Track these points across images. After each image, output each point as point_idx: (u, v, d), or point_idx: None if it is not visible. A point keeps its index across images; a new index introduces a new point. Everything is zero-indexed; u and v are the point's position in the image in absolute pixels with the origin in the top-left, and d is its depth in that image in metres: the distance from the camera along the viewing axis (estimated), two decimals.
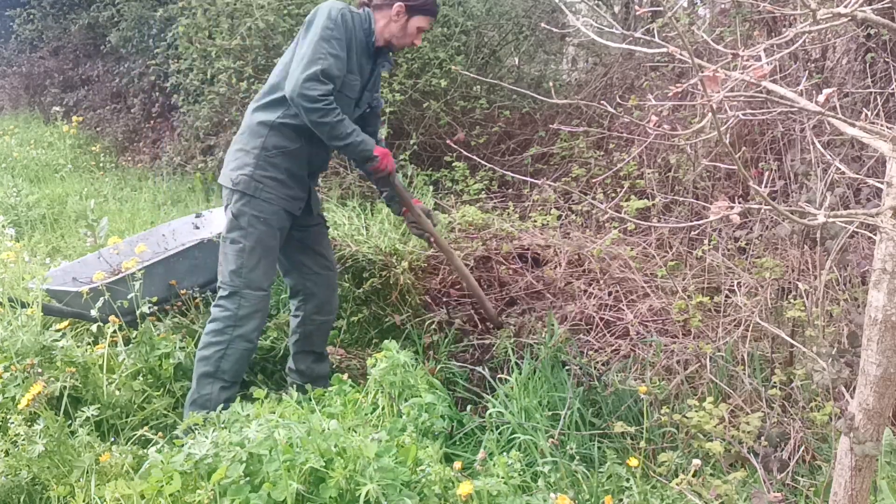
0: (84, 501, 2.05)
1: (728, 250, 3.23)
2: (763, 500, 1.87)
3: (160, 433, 2.31)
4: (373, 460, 1.87)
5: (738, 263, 3.08)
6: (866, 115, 1.48)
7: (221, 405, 2.42)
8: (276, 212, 2.63)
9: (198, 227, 3.87)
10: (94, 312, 2.78)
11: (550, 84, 2.66)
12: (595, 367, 2.73)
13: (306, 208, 2.79)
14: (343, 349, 3.27)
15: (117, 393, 2.63)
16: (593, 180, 4.20)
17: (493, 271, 3.39)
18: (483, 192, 4.64)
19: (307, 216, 2.82)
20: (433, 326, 3.18)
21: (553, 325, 2.85)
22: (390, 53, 2.81)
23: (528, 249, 3.45)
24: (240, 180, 2.59)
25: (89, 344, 2.99)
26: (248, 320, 2.61)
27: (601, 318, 3.05)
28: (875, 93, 3.31)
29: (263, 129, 2.62)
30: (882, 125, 1.37)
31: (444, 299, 3.30)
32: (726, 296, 2.92)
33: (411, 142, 5.13)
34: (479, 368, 2.92)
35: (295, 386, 2.93)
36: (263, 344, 3.18)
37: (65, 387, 2.42)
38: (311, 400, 2.49)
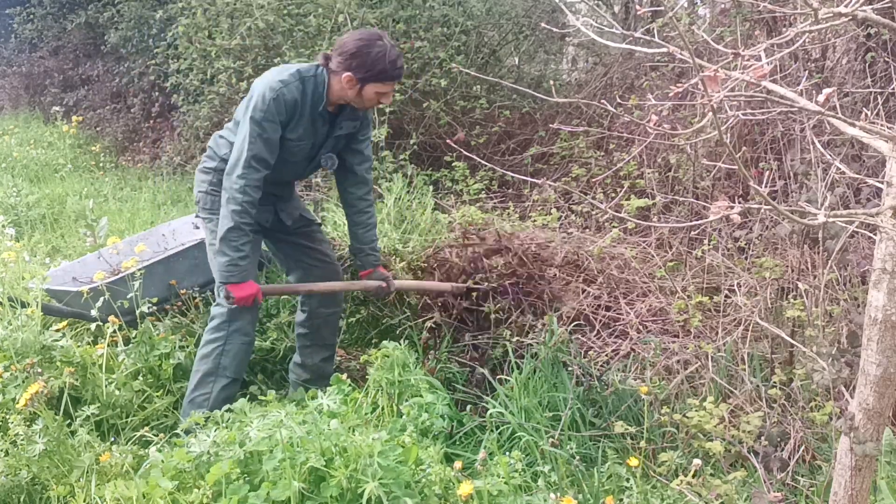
0: (84, 501, 2.05)
1: (728, 250, 3.23)
2: (763, 500, 1.87)
3: (160, 433, 2.31)
4: (375, 458, 1.87)
5: (738, 263, 3.08)
6: (866, 114, 1.48)
7: (220, 404, 2.42)
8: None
9: (198, 227, 3.87)
10: (93, 312, 2.78)
11: (551, 83, 2.65)
12: (595, 367, 2.73)
13: (277, 219, 2.84)
14: (342, 350, 3.26)
15: (117, 393, 2.63)
16: (593, 180, 4.20)
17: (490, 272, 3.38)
18: (483, 192, 4.64)
19: (282, 225, 2.86)
20: (432, 326, 3.18)
21: (553, 325, 2.85)
22: (359, 112, 2.73)
23: (527, 250, 3.45)
24: (199, 198, 2.77)
25: (89, 344, 2.99)
26: (242, 314, 2.63)
27: (601, 319, 3.05)
28: (875, 93, 3.31)
29: (216, 156, 2.74)
30: (882, 125, 1.37)
31: (440, 300, 3.29)
32: (726, 296, 2.92)
33: (411, 142, 5.13)
34: (479, 367, 2.92)
35: (295, 384, 2.94)
36: (263, 345, 3.18)
37: (64, 386, 2.42)
38: (314, 398, 2.49)
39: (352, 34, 2.59)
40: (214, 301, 2.69)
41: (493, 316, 3.07)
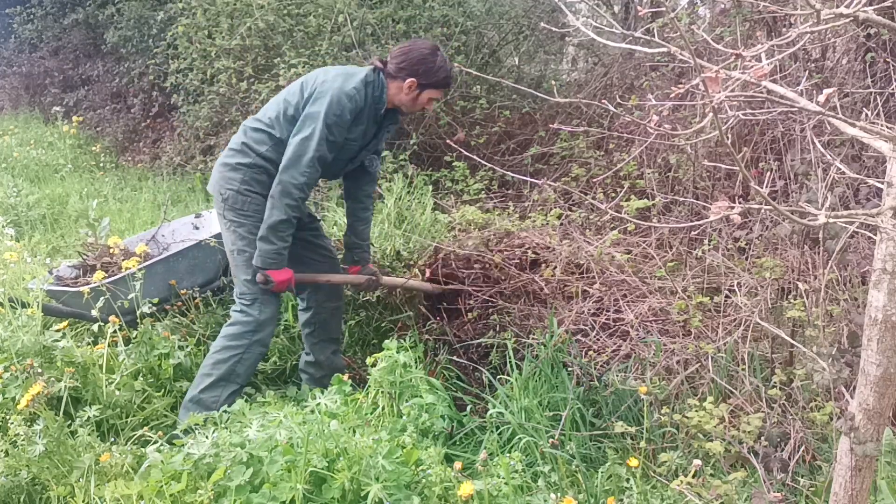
0: (84, 501, 2.05)
1: (728, 250, 3.23)
2: (763, 501, 1.87)
3: (160, 433, 2.31)
4: (380, 460, 1.87)
5: (738, 263, 3.08)
6: (866, 115, 1.48)
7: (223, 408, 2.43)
8: None
9: (197, 228, 3.87)
10: (94, 312, 2.78)
11: (552, 83, 2.65)
12: (595, 368, 2.73)
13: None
14: (343, 351, 3.27)
15: (117, 393, 2.63)
16: (593, 180, 4.20)
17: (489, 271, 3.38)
18: (483, 192, 4.64)
19: (299, 222, 2.86)
20: (433, 326, 3.18)
21: (553, 325, 2.85)
22: (399, 115, 2.89)
23: (526, 250, 3.45)
24: (228, 195, 2.69)
25: (89, 344, 2.99)
26: (266, 325, 2.70)
27: (601, 319, 3.05)
28: (875, 93, 3.31)
29: (251, 152, 2.70)
30: (882, 125, 1.37)
31: (440, 305, 3.29)
32: (726, 296, 2.92)
33: (411, 142, 5.13)
34: (480, 368, 2.92)
35: (311, 383, 2.96)
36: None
37: (63, 387, 2.42)
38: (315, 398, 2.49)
39: (413, 42, 2.75)
40: (238, 307, 2.70)
41: (469, 315, 3.14)
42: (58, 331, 2.81)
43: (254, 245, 2.65)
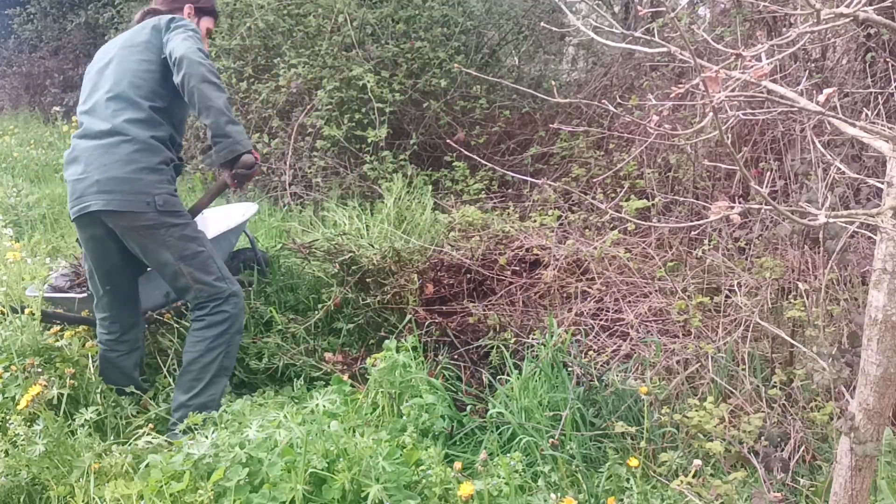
0: (84, 501, 2.05)
1: (728, 250, 3.23)
2: (763, 501, 1.87)
3: (160, 434, 2.31)
4: (380, 461, 1.87)
5: (738, 263, 3.08)
6: (866, 115, 1.48)
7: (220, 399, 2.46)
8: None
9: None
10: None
11: (552, 83, 2.64)
12: (595, 368, 2.73)
13: None
14: (343, 352, 3.26)
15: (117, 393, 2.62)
16: (593, 180, 4.20)
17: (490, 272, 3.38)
18: (483, 192, 4.64)
19: None
20: (433, 328, 3.18)
21: (553, 325, 2.85)
22: None
23: (527, 251, 3.45)
24: (164, 200, 2.50)
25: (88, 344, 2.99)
26: (242, 313, 2.70)
27: (601, 319, 3.05)
28: (875, 93, 3.31)
29: (159, 144, 2.55)
30: (882, 125, 1.37)
31: (436, 308, 3.29)
32: (726, 296, 2.92)
33: (411, 142, 5.14)
34: (480, 368, 2.92)
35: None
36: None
37: (64, 386, 2.42)
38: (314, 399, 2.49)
39: None
40: (208, 310, 2.58)
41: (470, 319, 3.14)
42: (57, 332, 2.81)
43: (203, 241, 2.59)
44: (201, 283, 2.56)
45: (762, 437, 2.19)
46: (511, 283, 3.30)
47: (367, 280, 3.35)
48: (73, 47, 9.57)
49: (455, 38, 5.52)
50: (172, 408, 2.58)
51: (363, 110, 5.01)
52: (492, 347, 3.04)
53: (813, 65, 3.61)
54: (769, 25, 3.83)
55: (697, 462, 2.00)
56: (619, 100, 4.49)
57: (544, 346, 2.77)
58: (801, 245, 2.82)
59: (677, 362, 2.66)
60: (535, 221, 3.71)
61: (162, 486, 1.94)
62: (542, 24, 4.82)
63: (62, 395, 2.39)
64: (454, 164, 4.87)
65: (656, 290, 3.12)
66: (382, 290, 3.28)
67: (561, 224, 3.78)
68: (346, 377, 2.80)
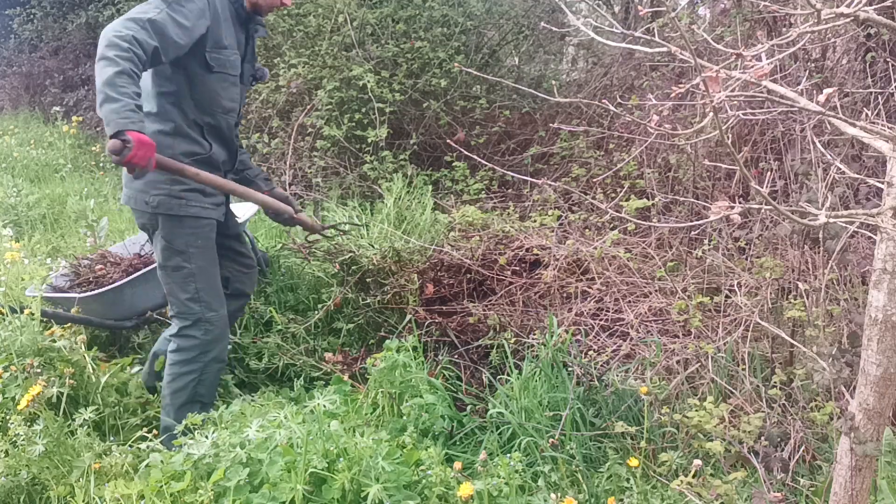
0: (84, 501, 2.05)
1: (728, 250, 3.23)
2: (763, 501, 1.87)
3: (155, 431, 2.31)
4: (380, 461, 1.87)
5: (738, 263, 3.08)
6: (866, 115, 1.48)
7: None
8: (208, 223, 2.47)
9: None
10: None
11: (552, 83, 2.64)
12: (595, 368, 2.73)
13: (228, 212, 2.66)
14: (343, 352, 3.26)
15: (117, 394, 2.62)
16: (593, 180, 4.20)
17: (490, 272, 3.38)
18: (483, 192, 4.64)
19: (229, 219, 2.68)
20: (433, 328, 3.18)
21: (553, 325, 2.85)
22: (260, 17, 2.55)
23: (527, 251, 3.45)
24: (158, 202, 2.35)
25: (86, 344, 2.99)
26: (217, 342, 2.51)
27: (601, 319, 3.05)
28: (875, 93, 3.31)
29: (166, 138, 2.34)
30: (882, 125, 1.37)
31: (436, 308, 3.30)
32: (726, 296, 2.92)
33: (411, 142, 5.14)
34: (480, 368, 2.92)
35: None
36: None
37: (62, 390, 2.42)
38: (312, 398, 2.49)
39: None
40: (176, 330, 2.48)
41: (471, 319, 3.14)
42: (52, 333, 2.81)
43: (193, 258, 2.40)
44: (174, 296, 2.46)
45: (762, 437, 2.19)
46: (511, 283, 3.30)
47: (367, 280, 3.35)
48: (74, 47, 9.56)
49: (455, 38, 5.52)
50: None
51: (363, 110, 5.01)
52: (492, 347, 3.04)
53: (813, 65, 3.61)
54: (769, 25, 3.83)
55: (697, 462, 2.00)
56: (619, 100, 4.49)
57: (544, 345, 2.77)
58: (801, 245, 2.82)
59: (677, 362, 2.66)
60: (535, 221, 3.71)
61: (162, 486, 1.94)
62: (542, 24, 4.82)
63: (62, 394, 2.39)
64: (454, 164, 4.87)
65: (656, 290, 3.12)
66: (382, 290, 3.28)
67: (561, 224, 3.78)
68: (346, 377, 2.81)
